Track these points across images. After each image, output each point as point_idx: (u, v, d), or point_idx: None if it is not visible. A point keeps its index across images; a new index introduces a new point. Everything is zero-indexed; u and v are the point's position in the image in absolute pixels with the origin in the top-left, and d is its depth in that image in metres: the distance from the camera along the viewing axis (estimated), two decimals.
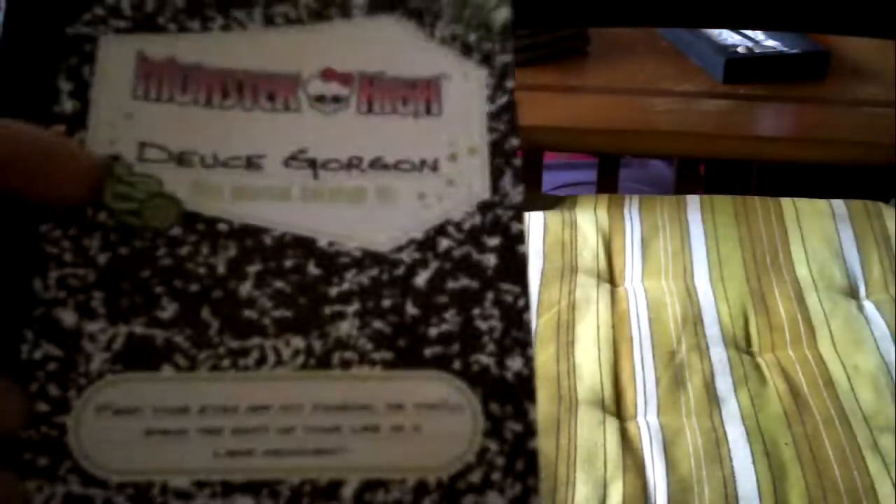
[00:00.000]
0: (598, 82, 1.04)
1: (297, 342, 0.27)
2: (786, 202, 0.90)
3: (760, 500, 0.61)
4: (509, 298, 0.28)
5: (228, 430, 0.26)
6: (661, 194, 0.94)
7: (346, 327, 0.27)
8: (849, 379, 0.70)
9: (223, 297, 0.27)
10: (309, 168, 0.28)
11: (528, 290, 0.29)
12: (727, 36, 1.06)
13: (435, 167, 0.29)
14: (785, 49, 1.04)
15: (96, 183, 0.27)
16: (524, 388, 0.28)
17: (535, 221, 0.87)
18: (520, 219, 0.29)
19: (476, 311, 0.28)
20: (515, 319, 0.28)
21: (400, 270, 0.28)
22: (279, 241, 0.28)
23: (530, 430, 0.27)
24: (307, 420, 0.27)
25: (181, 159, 0.28)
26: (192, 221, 0.28)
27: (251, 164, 0.28)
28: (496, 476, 0.27)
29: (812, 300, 0.78)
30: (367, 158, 0.29)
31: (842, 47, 1.10)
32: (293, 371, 0.27)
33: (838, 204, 0.89)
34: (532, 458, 0.27)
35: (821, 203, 0.90)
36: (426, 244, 0.28)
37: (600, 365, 0.71)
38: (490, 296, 0.28)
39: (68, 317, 0.26)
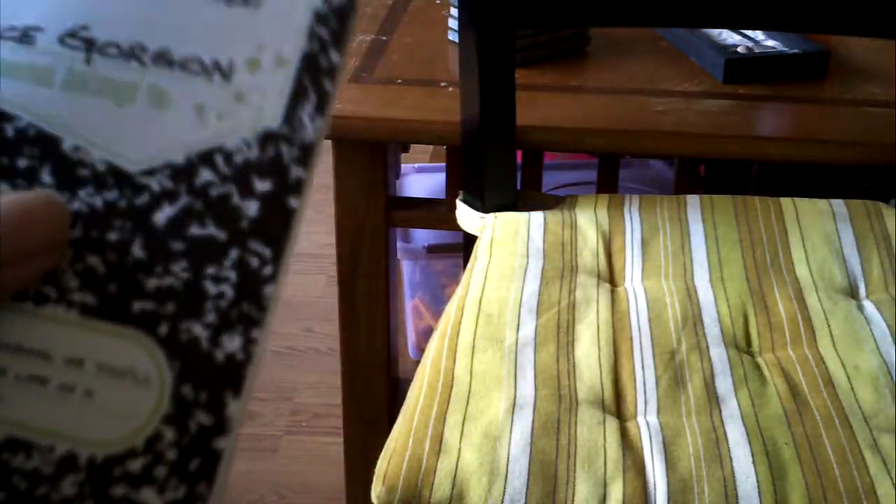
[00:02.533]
0: (598, 82, 1.04)
1: None
2: (786, 202, 0.90)
3: (760, 500, 0.61)
4: (255, 262, 0.24)
5: None
6: (661, 194, 0.94)
7: None
8: (849, 379, 0.70)
9: None
10: (83, 50, 0.24)
11: (282, 260, 0.24)
12: (727, 36, 1.06)
13: (228, 74, 0.24)
14: (785, 49, 1.04)
15: None
16: (232, 375, 0.23)
17: (535, 221, 0.87)
18: (306, 164, 0.24)
19: (210, 270, 0.23)
20: (252, 290, 0.24)
21: (142, 200, 0.24)
22: (21, 135, 0.23)
23: (221, 427, 0.23)
24: None
25: None
26: None
27: (26, 36, 0.24)
28: (160, 471, 0.22)
29: (812, 300, 0.78)
30: (151, 49, 0.24)
31: (842, 47, 1.10)
32: None
33: (838, 204, 0.89)
34: (211, 459, 0.23)
35: (821, 203, 0.90)
36: (183, 173, 0.24)
37: (600, 365, 0.71)
38: (234, 254, 0.24)
39: None
